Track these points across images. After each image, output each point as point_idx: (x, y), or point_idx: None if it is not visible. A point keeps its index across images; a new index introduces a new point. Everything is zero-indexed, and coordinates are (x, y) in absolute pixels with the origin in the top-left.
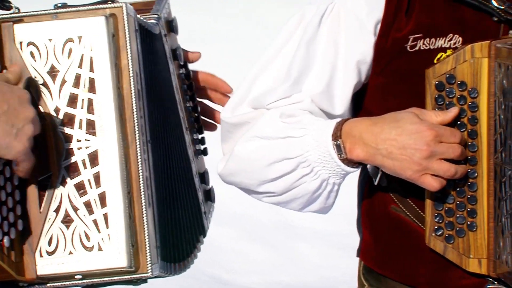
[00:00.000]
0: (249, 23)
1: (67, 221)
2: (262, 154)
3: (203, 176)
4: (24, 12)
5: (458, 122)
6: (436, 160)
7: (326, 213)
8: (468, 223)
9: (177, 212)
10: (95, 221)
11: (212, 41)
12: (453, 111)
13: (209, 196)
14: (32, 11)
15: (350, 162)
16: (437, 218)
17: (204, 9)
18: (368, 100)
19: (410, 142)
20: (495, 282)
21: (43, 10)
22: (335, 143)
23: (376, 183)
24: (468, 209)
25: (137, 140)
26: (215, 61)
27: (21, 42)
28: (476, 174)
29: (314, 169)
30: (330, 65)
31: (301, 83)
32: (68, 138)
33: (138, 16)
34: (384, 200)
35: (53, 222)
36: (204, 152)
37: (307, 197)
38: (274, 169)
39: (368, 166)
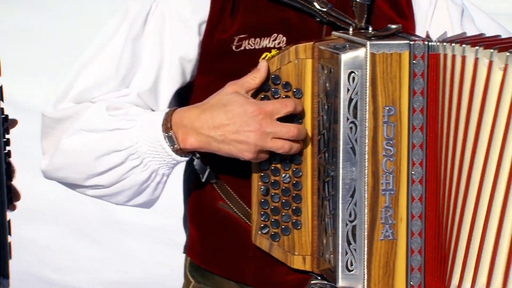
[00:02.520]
0: (69, 19)
1: None
2: (90, 148)
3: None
4: None
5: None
6: (270, 139)
7: (150, 207)
8: (293, 221)
9: None
10: None
11: (30, 38)
12: (262, 65)
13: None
14: None
15: (183, 152)
16: (263, 217)
17: (22, 6)
18: (193, 99)
19: (243, 125)
20: (319, 278)
21: None
22: (166, 134)
23: (203, 180)
24: (293, 208)
25: None
26: (35, 58)
27: None
28: (301, 173)
29: (144, 160)
30: (157, 64)
31: (129, 80)
32: None
33: None
34: (211, 197)
35: None
36: (8, 154)
37: (135, 188)
38: (103, 162)
39: (195, 162)
